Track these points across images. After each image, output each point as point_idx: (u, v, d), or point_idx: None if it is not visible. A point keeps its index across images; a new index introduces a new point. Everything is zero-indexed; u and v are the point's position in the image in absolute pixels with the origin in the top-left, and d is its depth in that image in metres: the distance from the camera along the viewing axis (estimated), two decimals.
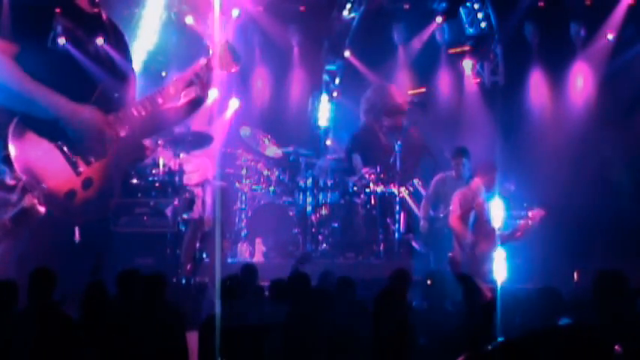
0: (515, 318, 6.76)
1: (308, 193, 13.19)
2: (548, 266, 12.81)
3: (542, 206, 11.59)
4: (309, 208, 13.10)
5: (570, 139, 14.16)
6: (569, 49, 14.63)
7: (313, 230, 13.00)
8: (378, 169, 13.40)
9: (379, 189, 13.26)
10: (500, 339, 5.73)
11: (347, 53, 15.36)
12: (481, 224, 10.67)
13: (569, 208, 13.42)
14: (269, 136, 14.03)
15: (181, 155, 12.07)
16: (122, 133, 10.45)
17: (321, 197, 13.18)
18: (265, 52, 15.19)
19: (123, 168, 10.80)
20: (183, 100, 10.66)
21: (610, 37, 14.36)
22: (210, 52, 10.71)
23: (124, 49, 11.07)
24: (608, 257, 12.08)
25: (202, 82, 10.55)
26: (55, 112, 10.13)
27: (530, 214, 11.06)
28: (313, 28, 15.30)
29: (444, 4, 14.86)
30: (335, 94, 15.60)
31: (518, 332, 5.76)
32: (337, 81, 15.58)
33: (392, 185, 13.17)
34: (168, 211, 11.90)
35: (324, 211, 13.12)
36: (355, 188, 13.33)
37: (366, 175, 13.39)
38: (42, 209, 10.13)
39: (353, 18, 15.19)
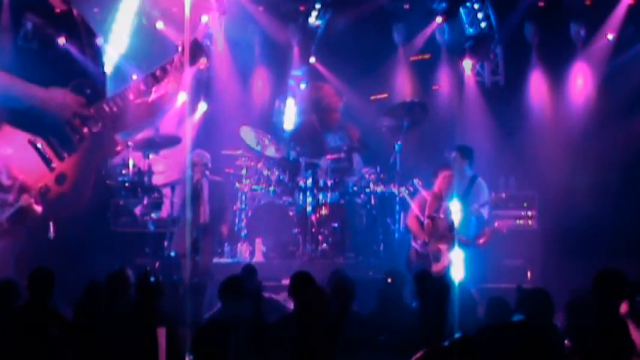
0: (507, 318, 6.76)
1: (308, 193, 13.17)
2: (548, 266, 12.85)
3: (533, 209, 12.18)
4: (309, 208, 13.08)
5: (570, 138, 14.15)
6: (569, 49, 14.61)
7: (313, 230, 12.98)
8: (378, 169, 13.42)
9: (379, 189, 13.27)
10: (457, 334, 5.80)
11: (312, 59, 15.37)
12: (437, 225, 11.16)
13: (568, 208, 13.42)
14: (269, 136, 14.03)
15: (150, 156, 12.22)
16: (94, 129, 10.57)
17: (321, 197, 13.17)
18: (265, 52, 15.18)
19: (95, 163, 10.88)
20: (154, 95, 10.88)
21: (610, 37, 14.35)
22: (180, 48, 10.87)
23: (95, 48, 11.16)
24: (608, 257, 12.08)
25: (172, 77, 10.77)
26: (30, 101, 10.25)
27: (496, 224, 11.39)
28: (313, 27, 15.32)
29: (444, 4, 14.85)
30: None
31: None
32: (302, 86, 15.41)
33: (392, 185, 13.18)
34: (137, 211, 12.14)
35: (324, 211, 13.11)
36: (355, 188, 13.34)
37: (366, 175, 13.40)
38: (39, 209, 10.15)
39: (319, 26, 15.25)
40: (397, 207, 13.07)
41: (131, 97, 10.78)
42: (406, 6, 15.07)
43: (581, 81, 14.55)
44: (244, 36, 14.95)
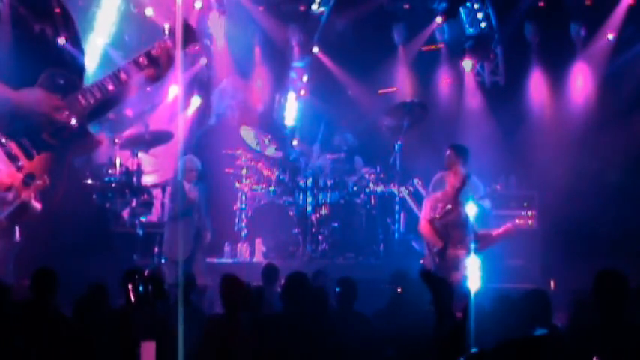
0: (504, 319, 6.69)
1: (308, 193, 13.18)
2: (548, 267, 12.83)
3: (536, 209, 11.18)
4: (309, 208, 13.09)
5: (570, 138, 14.15)
6: (569, 49, 14.62)
7: (313, 230, 12.99)
8: (378, 169, 13.41)
9: (379, 189, 13.27)
10: (473, 349, 5.51)
11: (315, 49, 15.11)
12: (453, 229, 10.33)
13: (568, 208, 13.41)
14: (269, 136, 14.02)
15: (139, 154, 11.76)
16: (69, 122, 10.17)
17: (321, 197, 13.17)
18: (265, 52, 15.16)
19: (66, 159, 10.46)
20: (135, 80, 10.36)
21: (610, 37, 14.36)
22: (167, 33, 10.37)
23: (73, 34, 10.66)
24: (608, 257, 12.06)
25: (159, 63, 10.27)
26: (1, 104, 9.81)
27: (517, 220, 11.07)
28: (313, 27, 15.28)
29: (444, 4, 14.85)
30: (302, 92, 15.25)
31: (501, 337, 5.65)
32: (305, 78, 15.23)
33: (392, 185, 13.17)
34: (125, 214, 11.58)
35: (324, 211, 13.12)
36: (355, 188, 13.34)
37: (366, 175, 13.40)
38: (37, 207, 10.05)
39: (322, 13, 14.97)
40: (397, 207, 13.07)
41: (111, 87, 10.25)
42: (406, 6, 15.07)
43: (581, 81, 14.56)
44: (244, 36, 14.91)
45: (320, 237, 12.98)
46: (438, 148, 13.49)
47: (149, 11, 13.35)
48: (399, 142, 13.26)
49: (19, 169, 10.12)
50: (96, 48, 12.76)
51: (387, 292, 8.45)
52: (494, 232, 10.53)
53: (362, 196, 13.30)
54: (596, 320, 6.24)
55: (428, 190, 12.04)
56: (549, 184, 13.75)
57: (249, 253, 12.91)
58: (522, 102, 14.80)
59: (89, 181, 11.45)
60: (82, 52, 10.92)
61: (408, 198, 12.67)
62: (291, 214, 13.24)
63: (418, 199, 12.80)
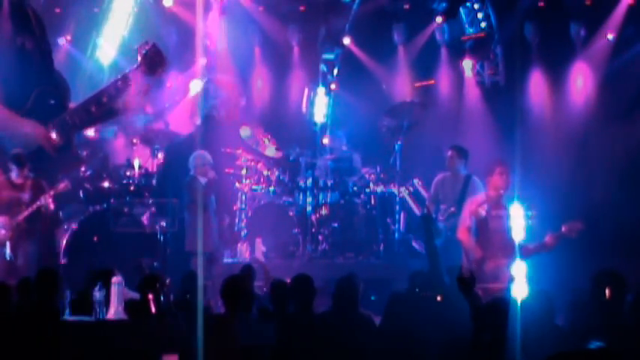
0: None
1: (308, 193, 13.20)
2: (548, 266, 12.83)
3: (576, 219, 10.29)
4: (309, 208, 13.11)
5: (570, 139, 14.15)
6: (569, 49, 14.61)
7: (313, 230, 13.01)
8: (378, 169, 13.43)
9: (379, 189, 13.29)
10: None
11: (346, 40, 14.74)
12: (493, 235, 9.64)
13: (569, 208, 13.41)
14: (269, 136, 14.03)
15: (159, 155, 11.61)
16: (55, 143, 10.35)
17: (321, 197, 13.20)
18: (265, 52, 15.16)
19: (54, 178, 10.47)
20: (120, 101, 10.43)
21: (610, 37, 14.35)
22: (139, 59, 10.38)
23: (48, 45, 10.69)
24: (608, 257, 12.06)
25: (133, 89, 10.35)
26: None
27: (563, 228, 9.85)
28: (313, 27, 15.26)
29: (444, 4, 14.83)
30: (333, 86, 14.98)
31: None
32: (335, 72, 14.96)
33: (392, 185, 13.19)
34: (145, 218, 11.35)
35: (324, 211, 13.14)
36: (355, 188, 13.36)
37: (366, 175, 13.42)
38: (52, 207, 10.08)
39: (353, 1, 14.60)
40: (397, 207, 13.09)
41: (93, 109, 10.36)
42: (406, 6, 15.04)
43: (581, 81, 14.54)
44: (244, 36, 14.91)
45: (320, 237, 13.00)
46: (438, 148, 13.53)
47: (168, 2, 13.13)
48: (399, 142, 13.28)
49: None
50: (113, 40, 12.61)
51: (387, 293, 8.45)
52: (546, 244, 9.84)
53: (362, 196, 13.32)
54: (594, 320, 6.26)
55: (429, 190, 12.08)
56: (549, 184, 13.74)
57: (249, 253, 12.92)
58: (522, 102, 14.77)
59: (106, 184, 11.21)
60: (55, 69, 10.82)
61: (408, 198, 12.69)
62: (291, 214, 13.26)
63: (418, 199, 12.84)
